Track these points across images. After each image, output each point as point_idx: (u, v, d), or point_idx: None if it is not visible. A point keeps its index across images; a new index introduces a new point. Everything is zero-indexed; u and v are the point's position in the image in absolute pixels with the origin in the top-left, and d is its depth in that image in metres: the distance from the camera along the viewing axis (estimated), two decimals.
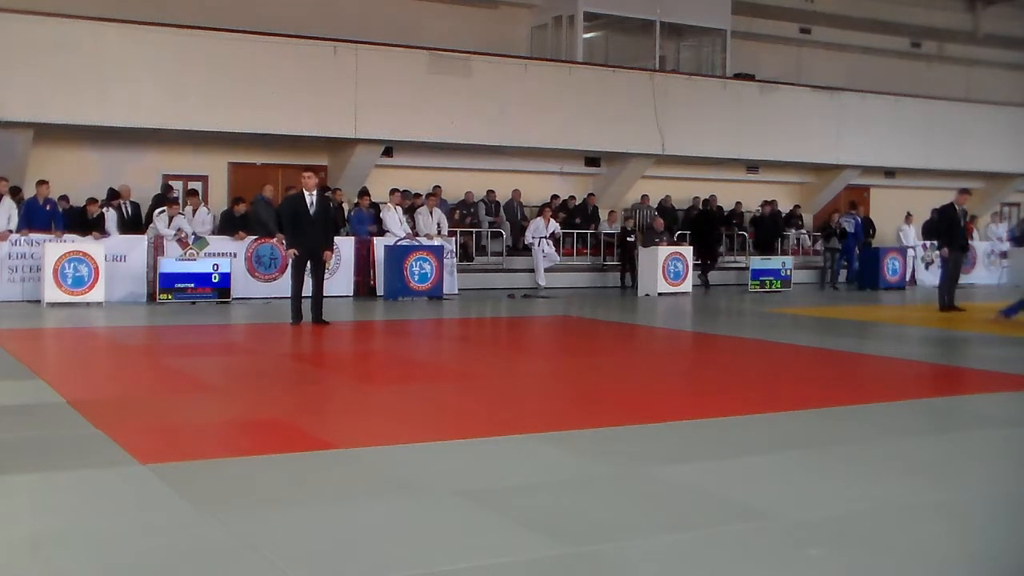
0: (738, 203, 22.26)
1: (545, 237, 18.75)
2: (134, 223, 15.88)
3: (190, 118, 16.31)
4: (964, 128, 23.84)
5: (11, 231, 14.26)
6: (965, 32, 26.45)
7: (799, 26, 24.35)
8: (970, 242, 19.57)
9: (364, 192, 17.41)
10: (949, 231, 15.00)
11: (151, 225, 15.42)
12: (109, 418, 5.96)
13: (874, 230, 21.80)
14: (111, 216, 15.40)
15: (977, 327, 12.67)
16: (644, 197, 21.19)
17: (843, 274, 21.09)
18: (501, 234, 19.43)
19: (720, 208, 21.84)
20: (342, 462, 5.05)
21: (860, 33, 24.91)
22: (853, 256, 20.82)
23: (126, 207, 15.98)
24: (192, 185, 17.68)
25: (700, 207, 21.24)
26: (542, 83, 19.23)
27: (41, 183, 14.89)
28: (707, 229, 19.99)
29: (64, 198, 15.63)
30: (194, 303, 14.44)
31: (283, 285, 14.66)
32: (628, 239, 19.55)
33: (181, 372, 8.13)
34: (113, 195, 16.15)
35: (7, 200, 14.50)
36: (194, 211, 15.65)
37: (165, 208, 15.39)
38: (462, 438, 5.64)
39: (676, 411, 6.65)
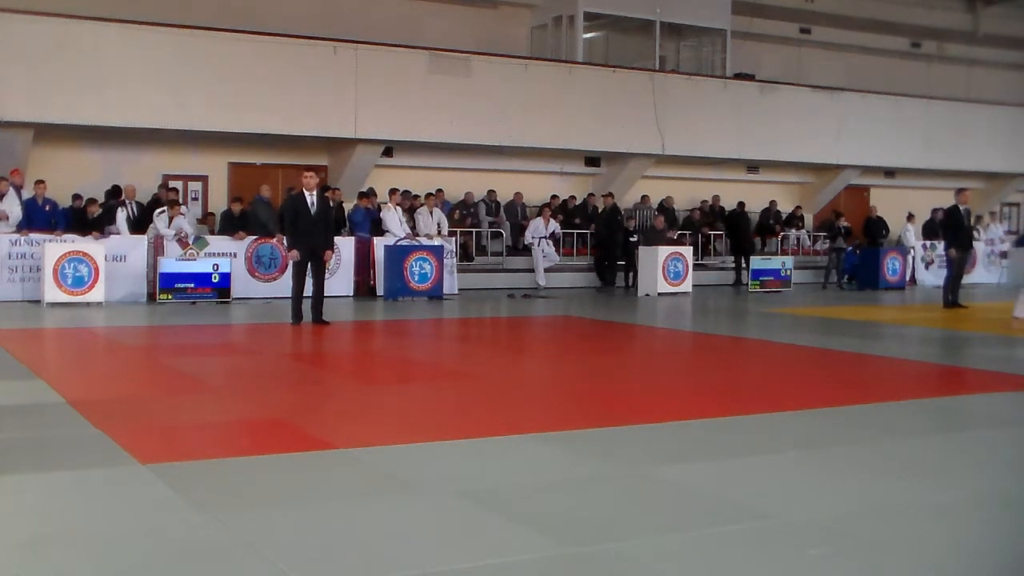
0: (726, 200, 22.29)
1: (545, 237, 18.76)
2: (139, 223, 15.83)
3: (190, 118, 16.30)
4: (964, 128, 23.85)
5: (7, 222, 14.31)
6: (965, 32, 26.46)
7: (799, 26, 24.36)
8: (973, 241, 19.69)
9: (364, 194, 17.40)
10: (955, 231, 15.20)
11: (151, 225, 15.41)
12: (109, 418, 5.96)
13: (887, 231, 21.78)
14: (122, 216, 15.32)
15: (978, 327, 12.68)
16: (677, 199, 21.26)
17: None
18: (501, 234, 19.43)
19: (719, 208, 21.94)
20: (342, 462, 5.05)
21: (860, 33, 24.92)
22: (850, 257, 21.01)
23: (132, 207, 15.97)
24: (192, 185, 17.69)
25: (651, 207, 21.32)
26: (542, 83, 19.23)
27: (38, 183, 14.91)
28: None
29: (77, 196, 15.62)
30: (194, 303, 14.44)
31: (283, 285, 14.67)
32: (631, 239, 19.56)
33: (181, 372, 8.13)
34: (117, 192, 16.10)
35: (11, 195, 14.57)
36: (170, 220, 15.41)
37: (165, 208, 15.38)
38: (462, 438, 5.64)
39: (676, 411, 6.65)
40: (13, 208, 14.56)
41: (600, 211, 19.74)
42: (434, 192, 18.00)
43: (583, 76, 19.75)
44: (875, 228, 21.24)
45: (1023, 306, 12.44)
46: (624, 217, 19.95)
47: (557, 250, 19.07)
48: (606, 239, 19.27)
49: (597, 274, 19.48)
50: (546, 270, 18.76)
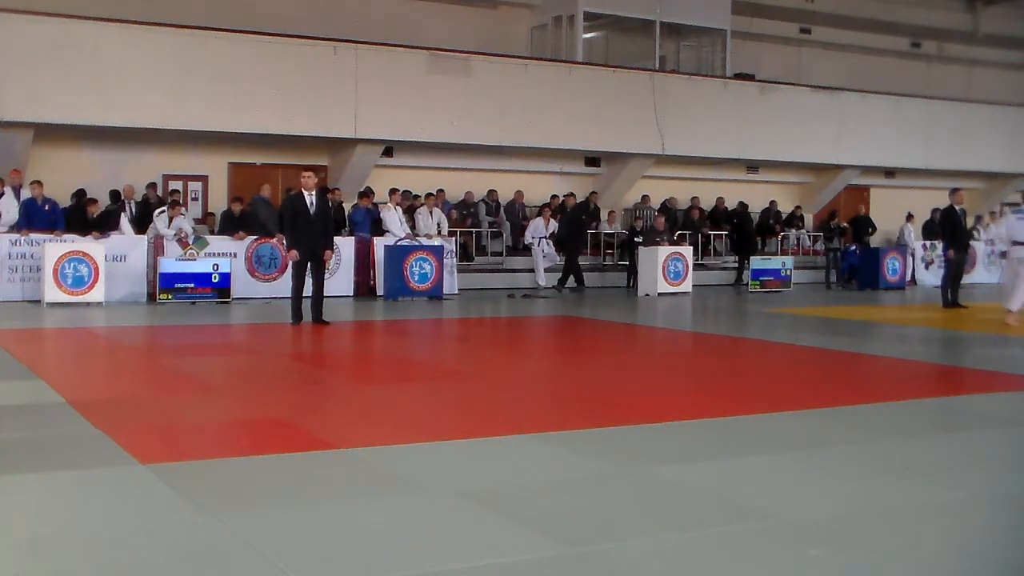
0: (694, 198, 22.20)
1: (545, 237, 18.76)
2: (138, 223, 15.83)
3: (190, 118, 16.30)
4: (964, 128, 23.85)
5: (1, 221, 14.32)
6: (965, 32, 26.45)
7: (799, 26, 24.36)
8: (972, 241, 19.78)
9: (364, 194, 17.40)
10: (953, 232, 15.29)
11: (151, 225, 15.42)
12: (109, 418, 5.96)
13: (873, 228, 21.82)
14: (126, 220, 15.29)
15: (978, 327, 12.68)
16: (677, 199, 21.35)
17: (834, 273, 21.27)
18: (501, 234, 19.43)
19: (724, 208, 21.97)
20: (342, 462, 5.05)
21: (860, 33, 24.91)
22: (850, 257, 21.05)
23: (131, 207, 15.94)
24: (192, 185, 17.68)
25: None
26: (542, 83, 19.23)
27: (34, 183, 14.91)
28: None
29: (79, 192, 15.62)
30: (194, 303, 14.44)
31: (283, 285, 14.67)
32: (635, 239, 19.55)
33: (181, 372, 8.13)
34: (117, 197, 16.12)
35: (9, 195, 14.57)
36: (170, 220, 15.40)
37: (165, 208, 15.39)
38: (462, 438, 5.64)
39: (676, 411, 6.65)
40: (9, 209, 14.55)
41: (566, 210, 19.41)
42: (434, 192, 18.01)
43: (583, 76, 19.75)
44: (861, 226, 21.29)
45: (1015, 300, 12.45)
46: (589, 218, 19.83)
47: (557, 250, 19.06)
48: (565, 239, 18.80)
49: (573, 275, 19.08)
50: (546, 270, 18.76)
